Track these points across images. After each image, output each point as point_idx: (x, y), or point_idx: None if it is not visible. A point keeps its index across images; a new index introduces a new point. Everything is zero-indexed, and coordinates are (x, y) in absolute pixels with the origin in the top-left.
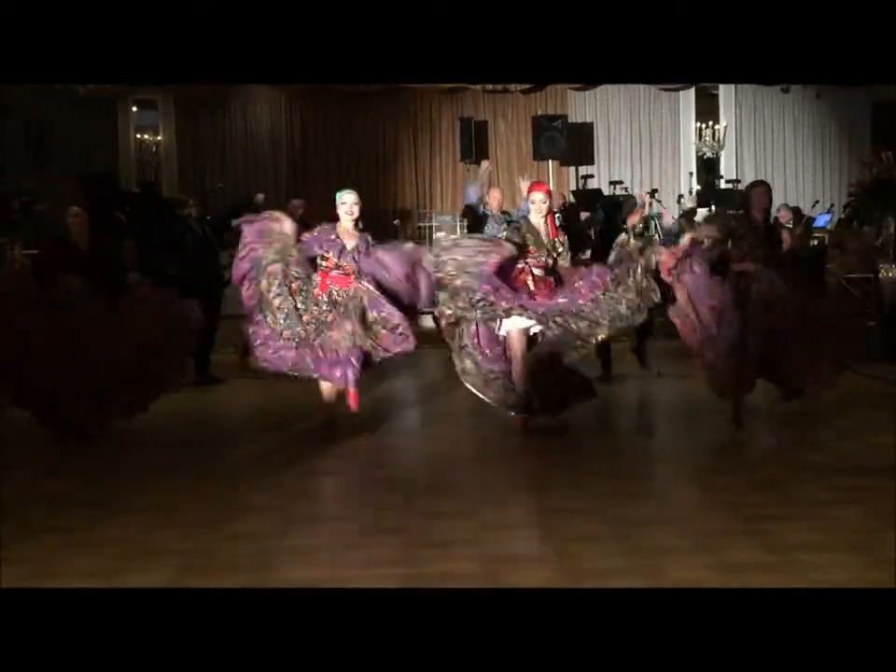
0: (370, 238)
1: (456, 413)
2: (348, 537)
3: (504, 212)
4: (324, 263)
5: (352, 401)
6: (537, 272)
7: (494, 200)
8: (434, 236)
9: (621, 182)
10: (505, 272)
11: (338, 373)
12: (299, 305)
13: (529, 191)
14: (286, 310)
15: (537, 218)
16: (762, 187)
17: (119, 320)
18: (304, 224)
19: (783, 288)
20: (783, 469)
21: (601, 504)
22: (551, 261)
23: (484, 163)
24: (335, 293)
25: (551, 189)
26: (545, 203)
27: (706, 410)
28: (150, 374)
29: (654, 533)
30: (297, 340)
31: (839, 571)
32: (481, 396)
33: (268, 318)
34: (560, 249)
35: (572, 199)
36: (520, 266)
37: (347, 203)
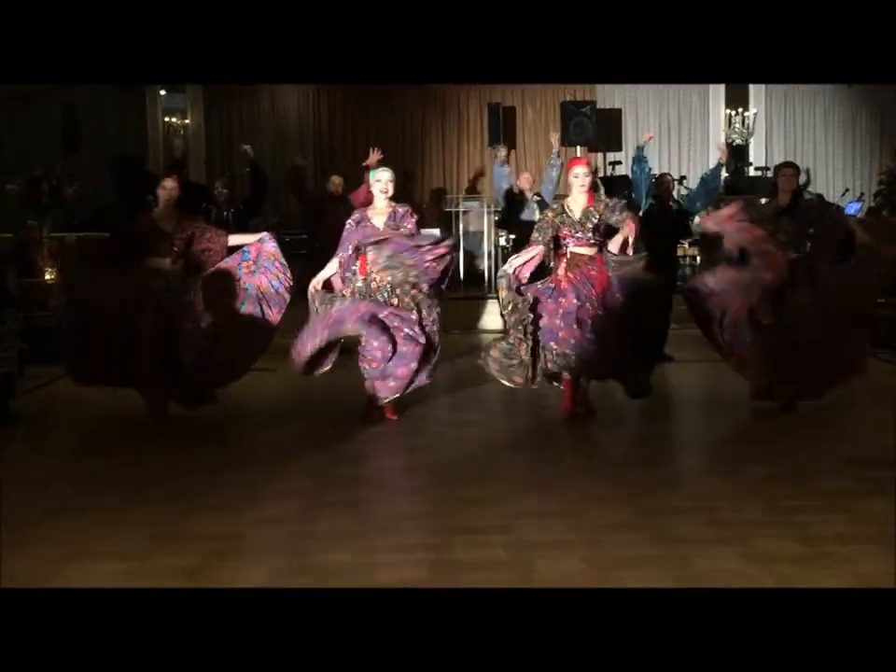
0: (399, 209)
1: (487, 399)
2: (379, 522)
3: (536, 194)
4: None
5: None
6: (578, 250)
7: (525, 182)
8: (464, 223)
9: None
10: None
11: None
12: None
13: (570, 167)
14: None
15: (576, 194)
16: (788, 168)
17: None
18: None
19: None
20: (814, 460)
21: (632, 493)
22: (590, 234)
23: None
24: (375, 279)
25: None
26: (588, 177)
27: (735, 399)
28: (226, 358)
29: (685, 523)
30: None
31: (869, 563)
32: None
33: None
34: (596, 217)
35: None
36: (561, 252)
37: (382, 180)
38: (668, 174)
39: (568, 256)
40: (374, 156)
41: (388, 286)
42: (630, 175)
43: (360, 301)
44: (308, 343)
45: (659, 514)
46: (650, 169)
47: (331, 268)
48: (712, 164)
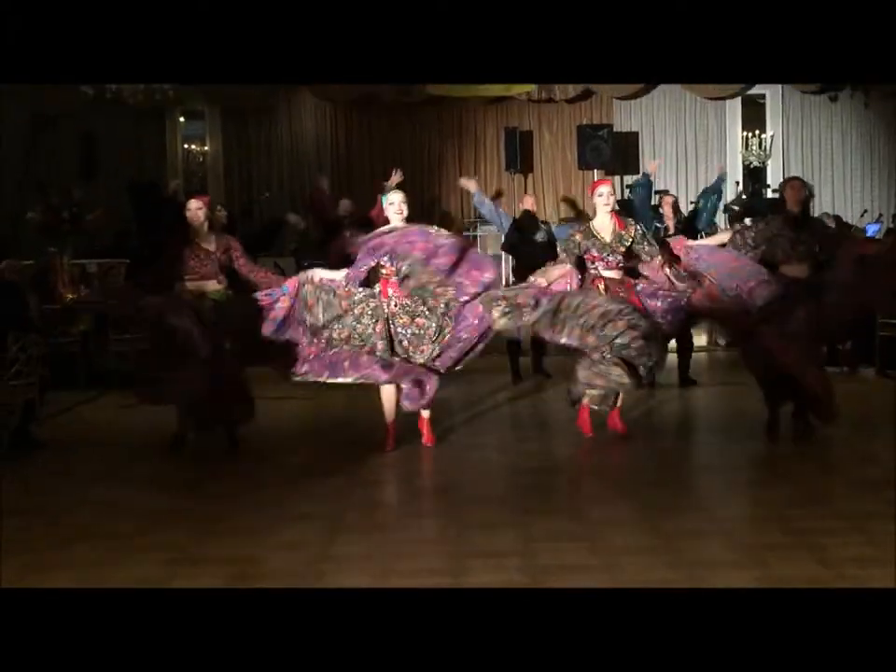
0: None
1: (503, 422)
2: (396, 546)
3: (544, 222)
4: (383, 271)
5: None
6: (608, 274)
7: (529, 204)
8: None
9: (666, 191)
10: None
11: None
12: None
13: (594, 188)
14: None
15: (602, 216)
16: (795, 181)
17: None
18: (353, 224)
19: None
20: (832, 482)
21: (650, 516)
22: (620, 257)
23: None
24: (394, 302)
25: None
26: (612, 196)
27: (753, 420)
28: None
29: (703, 545)
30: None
31: (888, 585)
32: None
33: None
34: (628, 242)
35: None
36: (592, 273)
37: (395, 202)
38: (668, 191)
39: (604, 279)
40: (395, 177)
41: (408, 304)
42: (630, 197)
43: (363, 353)
44: (302, 367)
45: (677, 537)
46: (651, 194)
47: (337, 275)
48: (729, 187)
